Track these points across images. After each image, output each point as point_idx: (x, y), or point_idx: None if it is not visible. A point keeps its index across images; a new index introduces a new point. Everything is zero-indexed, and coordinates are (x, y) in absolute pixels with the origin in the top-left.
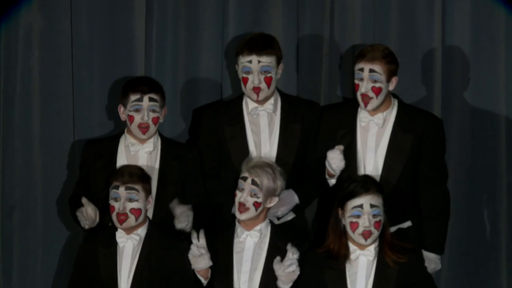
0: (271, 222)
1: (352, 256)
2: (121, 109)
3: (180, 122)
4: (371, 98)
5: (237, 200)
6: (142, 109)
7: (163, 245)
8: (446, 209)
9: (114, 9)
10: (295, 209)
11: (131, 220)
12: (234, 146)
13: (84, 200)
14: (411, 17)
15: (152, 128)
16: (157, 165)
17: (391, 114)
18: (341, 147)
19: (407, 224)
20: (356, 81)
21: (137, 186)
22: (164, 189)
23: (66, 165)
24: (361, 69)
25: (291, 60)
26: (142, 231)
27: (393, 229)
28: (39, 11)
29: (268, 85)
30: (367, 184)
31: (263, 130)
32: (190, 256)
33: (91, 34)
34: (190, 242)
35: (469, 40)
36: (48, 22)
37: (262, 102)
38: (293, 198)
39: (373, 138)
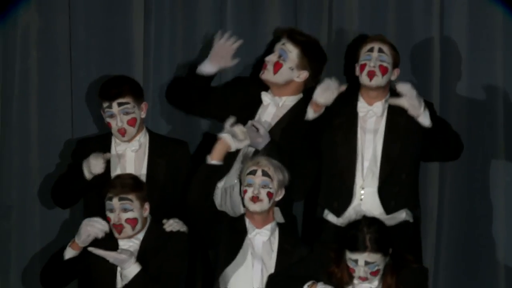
0: (278, 224)
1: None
2: (102, 113)
3: (177, 120)
4: (377, 75)
5: (248, 196)
6: (114, 115)
7: (159, 239)
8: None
9: (112, 9)
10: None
11: (128, 229)
12: (239, 112)
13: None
14: (408, 17)
15: (131, 130)
16: (145, 164)
17: (387, 103)
18: (343, 87)
19: (404, 215)
20: (363, 61)
21: (130, 196)
22: (153, 188)
23: (64, 165)
24: (371, 49)
25: None
26: (141, 235)
27: (393, 221)
28: (37, 11)
29: (275, 71)
30: (365, 241)
31: (267, 114)
32: None
33: (89, 34)
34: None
35: (467, 40)
36: (46, 22)
37: (278, 93)
38: (263, 142)
39: (372, 127)
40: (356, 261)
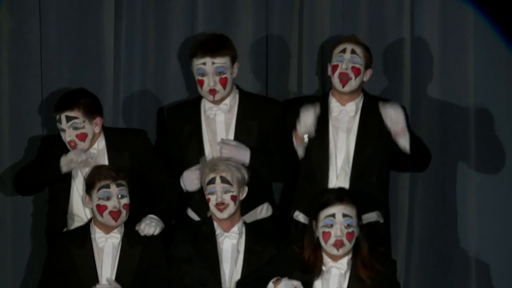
0: (245, 222)
1: (324, 268)
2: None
3: (149, 121)
4: (350, 78)
5: (213, 204)
6: (64, 130)
7: (140, 240)
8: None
9: (83, 10)
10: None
11: (123, 216)
12: (190, 144)
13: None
14: (380, 17)
15: (81, 144)
16: (106, 160)
17: (360, 103)
18: (318, 109)
19: (375, 215)
20: (335, 63)
21: (125, 182)
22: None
23: None
24: (343, 50)
25: (261, 60)
26: (120, 229)
27: (365, 218)
28: (8, 12)
29: (224, 86)
30: (341, 195)
31: (219, 127)
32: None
33: (60, 35)
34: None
35: (438, 40)
36: (17, 23)
37: (218, 102)
38: (245, 155)
39: (345, 126)
40: (333, 215)
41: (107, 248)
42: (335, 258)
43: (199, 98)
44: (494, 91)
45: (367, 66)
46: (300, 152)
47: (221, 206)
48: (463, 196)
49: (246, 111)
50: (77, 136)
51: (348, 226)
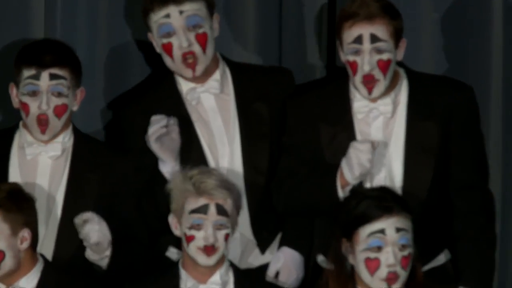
0: (232, 265)
1: None
2: (13, 90)
3: (98, 111)
4: (378, 80)
5: (197, 245)
6: (40, 92)
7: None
8: (490, 223)
9: None
10: None
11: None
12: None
13: None
14: None
15: (56, 123)
16: (65, 178)
17: (401, 93)
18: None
19: (443, 257)
20: (351, 58)
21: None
22: (73, 215)
23: None
24: (359, 38)
25: (272, 18)
26: (29, 282)
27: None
28: None
29: (204, 46)
30: (386, 200)
31: (213, 121)
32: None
33: None
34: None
35: None
36: None
37: (201, 79)
38: (297, 258)
39: (380, 135)
40: (382, 231)
41: None
42: None
43: (170, 78)
44: None
45: (399, 38)
46: (341, 195)
47: (210, 249)
48: None
49: (246, 88)
50: (56, 108)
51: (404, 247)
